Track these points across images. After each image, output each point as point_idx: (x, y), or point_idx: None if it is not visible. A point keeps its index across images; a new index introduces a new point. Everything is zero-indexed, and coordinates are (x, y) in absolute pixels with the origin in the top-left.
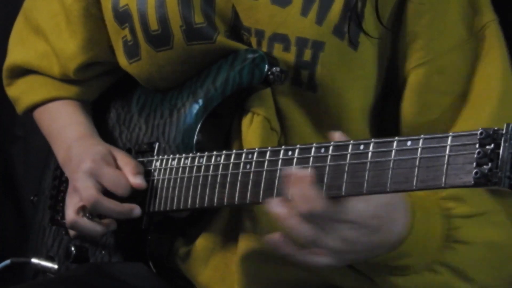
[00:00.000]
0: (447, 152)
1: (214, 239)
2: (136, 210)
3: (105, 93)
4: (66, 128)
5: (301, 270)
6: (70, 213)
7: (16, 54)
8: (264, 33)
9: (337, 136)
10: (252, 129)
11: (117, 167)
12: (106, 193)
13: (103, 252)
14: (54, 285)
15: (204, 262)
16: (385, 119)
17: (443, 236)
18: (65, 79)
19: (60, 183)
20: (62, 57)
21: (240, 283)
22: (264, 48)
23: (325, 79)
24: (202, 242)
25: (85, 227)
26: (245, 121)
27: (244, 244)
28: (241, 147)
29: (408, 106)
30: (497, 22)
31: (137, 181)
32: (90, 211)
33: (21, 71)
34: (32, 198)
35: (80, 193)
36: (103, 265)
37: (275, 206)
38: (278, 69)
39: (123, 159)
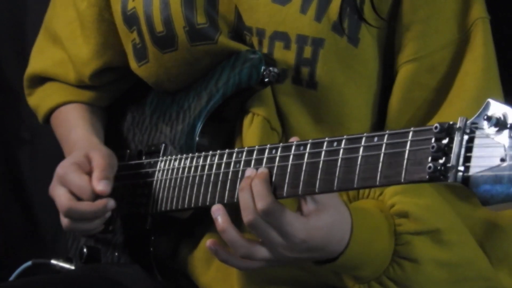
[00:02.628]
0: (408, 147)
1: (217, 240)
2: (110, 202)
3: (123, 97)
4: (70, 132)
5: (300, 270)
6: (63, 200)
7: (35, 63)
8: (265, 32)
9: (293, 139)
10: (252, 129)
11: (91, 169)
12: None
13: (115, 253)
14: (49, 285)
15: (207, 263)
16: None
17: (390, 251)
18: (80, 85)
19: None
20: (77, 63)
21: (238, 282)
22: (265, 47)
23: (325, 76)
24: (205, 243)
25: (85, 210)
26: (246, 122)
27: None
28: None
29: (395, 102)
30: (487, 20)
31: (99, 187)
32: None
33: (40, 80)
34: None
35: (56, 202)
36: (99, 267)
37: (217, 214)
38: (274, 69)
39: (96, 161)
